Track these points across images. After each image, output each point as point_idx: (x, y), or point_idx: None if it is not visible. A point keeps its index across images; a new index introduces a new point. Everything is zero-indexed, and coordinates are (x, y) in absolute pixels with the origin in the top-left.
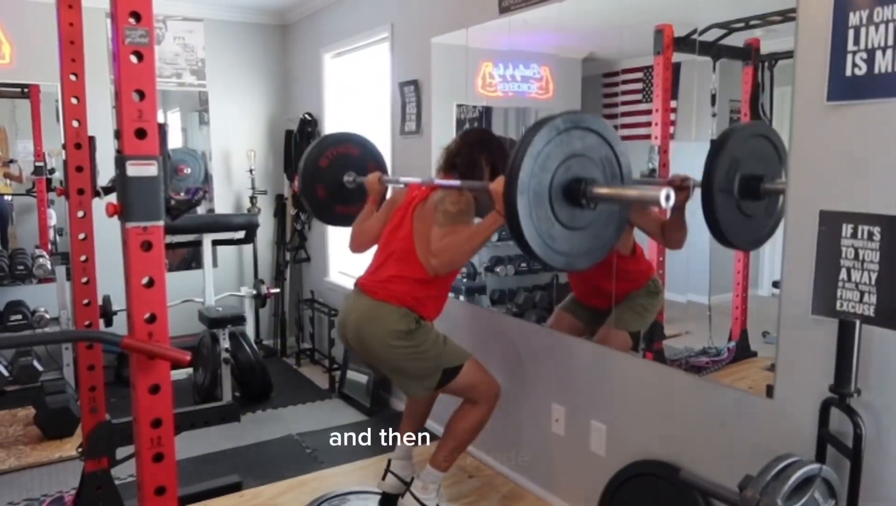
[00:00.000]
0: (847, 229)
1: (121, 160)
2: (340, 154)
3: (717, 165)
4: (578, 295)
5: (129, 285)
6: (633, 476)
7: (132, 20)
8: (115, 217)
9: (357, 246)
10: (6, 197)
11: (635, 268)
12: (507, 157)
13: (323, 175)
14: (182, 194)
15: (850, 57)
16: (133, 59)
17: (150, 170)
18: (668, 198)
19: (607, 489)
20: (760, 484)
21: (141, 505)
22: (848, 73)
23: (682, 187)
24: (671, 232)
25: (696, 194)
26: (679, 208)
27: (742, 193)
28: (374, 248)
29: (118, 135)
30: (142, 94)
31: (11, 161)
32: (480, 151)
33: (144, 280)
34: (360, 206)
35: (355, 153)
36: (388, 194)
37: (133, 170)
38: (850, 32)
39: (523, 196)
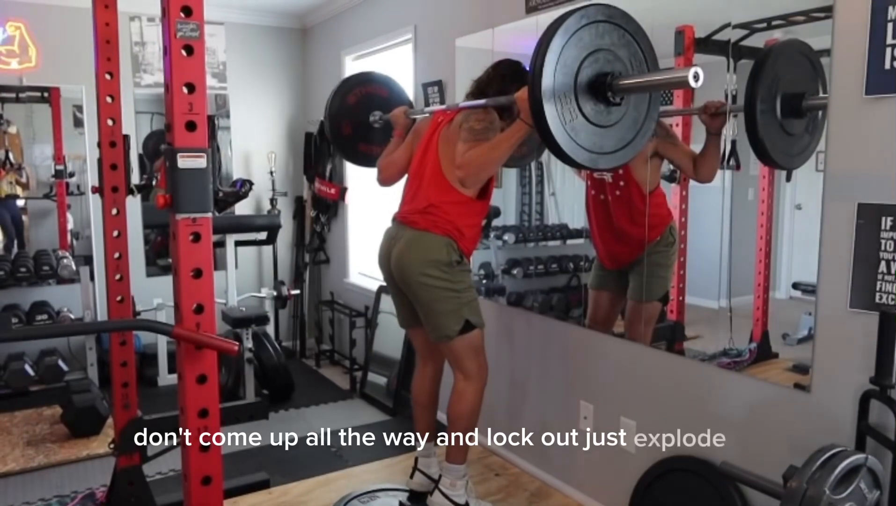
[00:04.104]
0: (886, 222)
1: (171, 152)
2: (369, 93)
3: (759, 83)
4: (601, 251)
5: (178, 276)
6: (666, 472)
7: (183, 14)
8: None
9: (385, 178)
10: (19, 201)
11: (655, 211)
12: None
13: (350, 111)
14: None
15: (889, 51)
16: (184, 52)
17: (200, 162)
18: (696, 77)
19: (639, 486)
20: (806, 474)
21: (186, 495)
22: (887, 66)
23: (717, 113)
24: (704, 159)
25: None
26: (716, 134)
27: (784, 112)
28: (404, 180)
29: (168, 128)
30: (192, 88)
31: (20, 168)
32: (512, 81)
33: (193, 271)
34: (382, 145)
35: (384, 94)
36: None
37: (184, 162)
38: (890, 26)
39: (549, 92)
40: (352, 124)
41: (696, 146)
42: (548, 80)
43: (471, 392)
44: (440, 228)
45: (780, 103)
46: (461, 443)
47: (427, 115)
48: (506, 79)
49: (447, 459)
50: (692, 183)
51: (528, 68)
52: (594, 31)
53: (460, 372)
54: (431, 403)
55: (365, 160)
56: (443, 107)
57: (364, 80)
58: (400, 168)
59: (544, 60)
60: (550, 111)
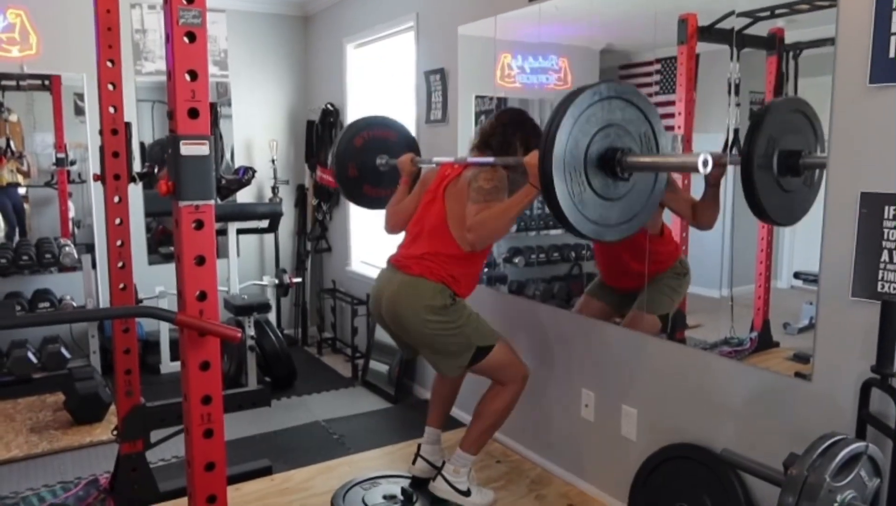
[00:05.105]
0: (889, 211)
1: (174, 140)
2: (376, 137)
3: (756, 141)
4: (606, 277)
5: (181, 263)
6: (667, 459)
7: (185, 1)
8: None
9: (392, 226)
10: (20, 189)
11: (664, 249)
12: (540, 135)
13: (356, 154)
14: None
15: (893, 39)
16: (186, 39)
17: (203, 149)
18: (706, 163)
19: (640, 473)
20: (807, 462)
21: (190, 481)
22: (891, 55)
23: (715, 164)
24: (704, 210)
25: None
26: (713, 185)
27: (781, 169)
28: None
29: (171, 115)
30: (194, 75)
31: (21, 156)
32: (515, 131)
33: (196, 258)
34: (388, 189)
35: (391, 137)
36: (421, 176)
37: (186, 149)
38: (895, 15)
39: (559, 163)
40: (357, 167)
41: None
42: (559, 154)
43: (507, 393)
44: (435, 274)
45: (778, 161)
46: (482, 437)
47: (434, 165)
48: (508, 128)
49: (462, 446)
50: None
51: (530, 117)
52: (606, 106)
53: (496, 384)
54: (451, 395)
55: (370, 202)
56: (450, 160)
57: (370, 123)
58: (407, 217)
59: (556, 136)
60: (560, 185)
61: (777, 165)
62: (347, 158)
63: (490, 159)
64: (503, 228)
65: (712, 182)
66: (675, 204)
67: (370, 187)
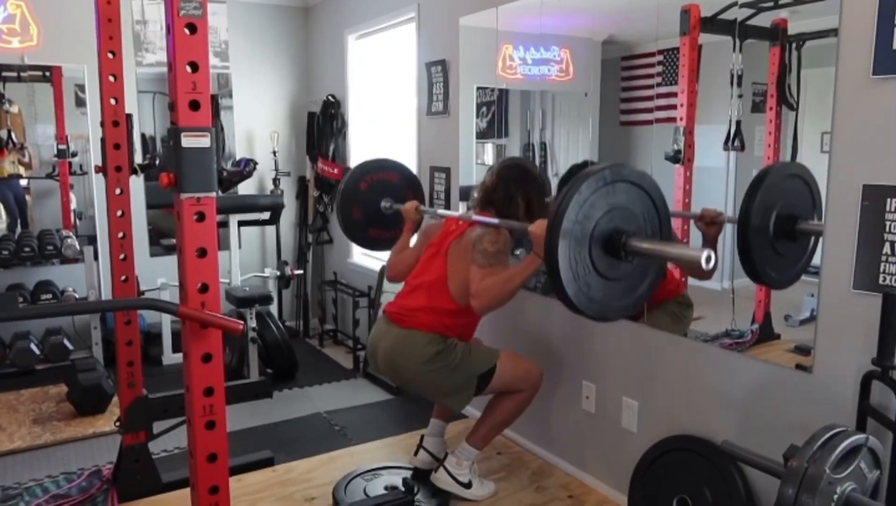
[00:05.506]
0: (891, 203)
1: (175, 132)
2: (380, 180)
3: (753, 205)
4: None
5: (182, 256)
6: (667, 451)
7: None
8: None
9: (394, 275)
10: (22, 181)
11: (664, 287)
12: (542, 191)
13: (361, 198)
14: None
15: None
16: (186, 31)
17: (204, 141)
18: (708, 260)
19: (640, 465)
20: (807, 454)
21: (192, 473)
22: (895, 46)
23: (713, 222)
24: None
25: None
26: (711, 242)
27: (777, 234)
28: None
29: (172, 107)
30: (195, 67)
31: (22, 147)
32: (517, 187)
33: (197, 250)
34: (392, 231)
35: (394, 180)
36: (423, 224)
37: (187, 141)
38: None
39: (565, 241)
40: (362, 210)
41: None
42: (565, 231)
43: (522, 394)
44: (428, 326)
45: (774, 224)
46: (491, 433)
47: (438, 217)
48: (511, 184)
49: (468, 439)
50: (696, 164)
51: (532, 171)
52: (611, 189)
53: (513, 392)
54: None
55: (374, 245)
56: (455, 214)
57: (375, 167)
58: (408, 268)
59: (561, 225)
60: (565, 268)
61: (773, 227)
62: (353, 203)
63: (495, 221)
64: (507, 297)
65: (709, 239)
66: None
67: (375, 230)
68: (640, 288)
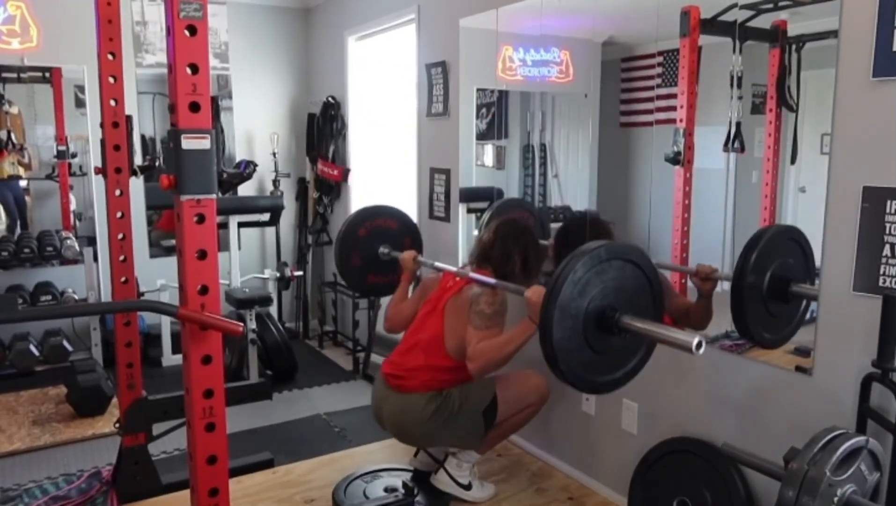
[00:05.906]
0: (891, 205)
1: (175, 134)
2: (378, 226)
3: (748, 265)
4: None
5: (183, 257)
6: (667, 453)
7: None
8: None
9: (391, 326)
10: (21, 182)
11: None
12: (538, 248)
13: (360, 244)
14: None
15: None
16: (187, 33)
17: (204, 143)
18: (699, 346)
19: (640, 467)
20: (807, 456)
21: (192, 474)
22: (895, 48)
23: (708, 278)
24: (696, 314)
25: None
26: (706, 297)
27: (770, 295)
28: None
29: (172, 108)
30: (195, 69)
31: (22, 148)
32: (514, 244)
33: (197, 252)
34: (389, 276)
35: (393, 227)
36: (422, 276)
37: (187, 143)
38: None
39: (559, 315)
40: (361, 256)
41: None
42: (562, 304)
43: (530, 409)
44: (426, 386)
45: (768, 284)
46: (495, 439)
47: (435, 270)
48: (507, 241)
49: None
50: (696, 166)
51: (528, 228)
52: (607, 266)
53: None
54: None
55: (374, 291)
56: (453, 269)
57: (374, 213)
58: (405, 320)
59: (556, 303)
60: (558, 333)
61: (767, 288)
62: (352, 249)
63: (492, 281)
64: (503, 361)
65: (704, 294)
66: (670, 307)
67: (374, 276)
68: (629, 363)
